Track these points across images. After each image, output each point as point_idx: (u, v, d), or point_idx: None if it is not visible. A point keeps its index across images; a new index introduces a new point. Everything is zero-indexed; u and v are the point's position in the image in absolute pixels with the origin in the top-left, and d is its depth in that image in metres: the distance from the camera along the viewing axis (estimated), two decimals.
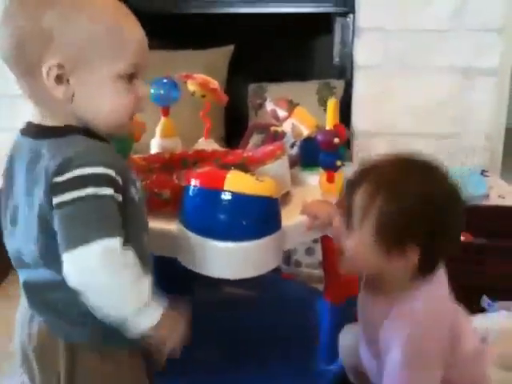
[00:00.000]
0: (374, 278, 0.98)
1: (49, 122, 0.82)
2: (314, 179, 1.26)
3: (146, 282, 0.79)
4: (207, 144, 1.43)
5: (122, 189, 0.79)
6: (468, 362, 1.02)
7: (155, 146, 1.44)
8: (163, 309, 0.80)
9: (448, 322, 0.96)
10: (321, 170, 1.19)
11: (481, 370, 1.06)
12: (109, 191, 0.76)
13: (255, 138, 1.43)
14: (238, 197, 0.95)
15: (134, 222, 0.81)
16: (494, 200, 1.92)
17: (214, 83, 1.40)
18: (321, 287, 1.42)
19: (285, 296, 1.54)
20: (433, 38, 2.14)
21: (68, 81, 0.79)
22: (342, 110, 2.22)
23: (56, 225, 0.75)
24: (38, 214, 0.78)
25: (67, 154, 0.76)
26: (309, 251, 1.93)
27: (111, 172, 0.77)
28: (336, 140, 0.99)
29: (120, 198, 0.78)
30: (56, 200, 0.75)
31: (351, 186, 0.93)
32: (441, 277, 0.98)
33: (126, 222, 0.79)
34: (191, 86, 1.38)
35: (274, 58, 2.36)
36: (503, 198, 1.93)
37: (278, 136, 1.38)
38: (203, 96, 1.39)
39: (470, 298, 1.46)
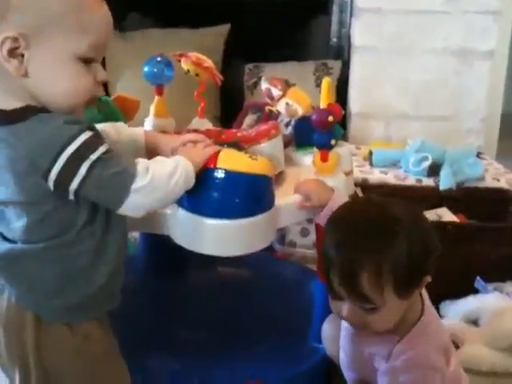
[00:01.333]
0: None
1: (5, 105, 0.78)
2: (308, 159, 1.25)
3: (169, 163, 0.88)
4: (201, 124, 1.42)
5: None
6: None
7: (149, 125, 1.43)
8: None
9: (442, 345, 0.99)
10: (315, 150, 1.19)
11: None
12: (102, 147, 0.79)
13: (250, 118, 1.42)
14: (230, 174, 0.95)
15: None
16: (489, 182, 1.92)
17: (209, 62, 1.38)
18: (315, 267, 1.42)
19: (279, 275, 1.55)
20: (430, 20, 2.13)
21: (22, 56, 0.75)
22: (338, 90, 2.23)
23: (88, 197, 0.80)
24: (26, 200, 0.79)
25: (38, 143, 0.76)
26: (303, 232, 1.93)
27: (89, 132, 0.79)
28: (330, 118, 0.99)
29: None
30: (71, 187, 0.78)
31: (345, 274, 0.90)
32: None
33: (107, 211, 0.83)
34: (185, 65, 1.36)
35: (270, 38, 2.34)
36: (498, 180, 1.93)
37: (273, 116, 1.37)
38: (197, 75, 1.37)
39: (464, 279, 1.47)
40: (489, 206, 1.78)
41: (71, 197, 0.79)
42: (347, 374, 1.08)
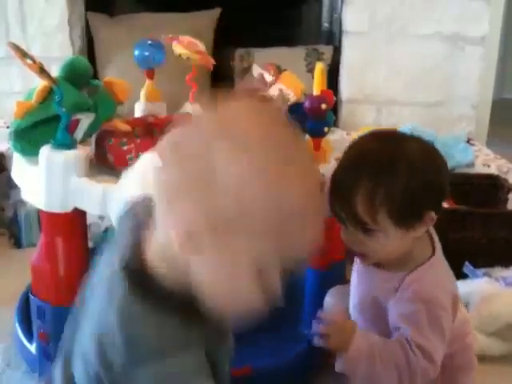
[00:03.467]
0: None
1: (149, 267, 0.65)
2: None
3: None
4: (193, 108, 1.41)
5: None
6: (458, 328, 1.04)
7: (139, 109, 1.42)
8: None
9: (451, 290, 0.99)
10: (307, 137, 1.18)
11: (467, 337, 1.09)
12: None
13: None
14: None
15: None
16: (480, 168, 1.93)
17: (201, 46, 1.37)
18: None
19: None
20: (421, 5, 2.12)
21: (200, 240, 0.59)
22: (330, 76, 2.22)
23: None
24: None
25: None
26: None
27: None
28: (323, 106, 0.98)
29: None
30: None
31: (343, 196, 0.92)
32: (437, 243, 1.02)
33: None
34: (177, 49, 1.35)
35: (261, 23, 2.32)
36: (488, 166, 1.94)
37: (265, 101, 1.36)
38: (189, 59, 1.36)
39: (453, 264, 1.48)
40: (479, 192, 1.79)
41: None
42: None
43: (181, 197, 0.59)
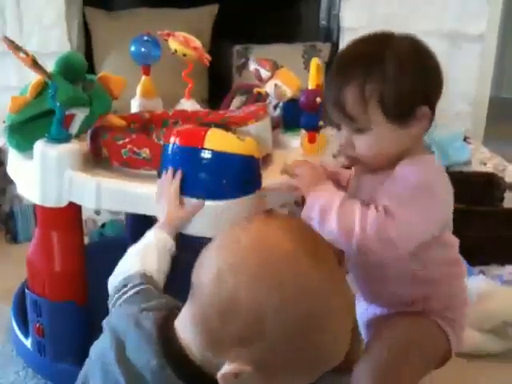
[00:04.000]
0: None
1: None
2: (297, 141, 1.25)
3: None
4: (189, 105, 1.41)
5: None
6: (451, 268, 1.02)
7: (135, 105, 1.42)
8: None
9: (450, 189, 0.96)
10: (302, 131, 1.18)
11: (459, 286, 1.06)
12: None
13: (238, 100, 1.41)
14: (217, 155, 0.94)
15: None
16: (476, 166, 1.93)
17: (197, 42, 1.37)
18: None
19: None
20: (420, 2, 2.12)
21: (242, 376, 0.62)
22: (327, 73, 2.21)
23: None
24: None
25: None
26: (291, 215, 1.94)
27: None
28: (318, 100, 0.98)
29: None
30: None
31: (335, 95, 0.91)
32: None
33: None
34: (172, 44, 1.35)
35: (259, 20, 2.32)
36: (485, 164, 1.94)
37: (261, 98, 1.36)
38: (184, 55, 1.36)
39: None
40: (475, 190, 1.79)
41: None
42: None
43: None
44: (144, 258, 0.86)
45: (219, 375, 0.61)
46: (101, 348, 0.70)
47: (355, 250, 0.88)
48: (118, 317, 0.72)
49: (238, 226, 0.65)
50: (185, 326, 0.65)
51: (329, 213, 0.89)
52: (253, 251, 0.61)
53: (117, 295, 0.79)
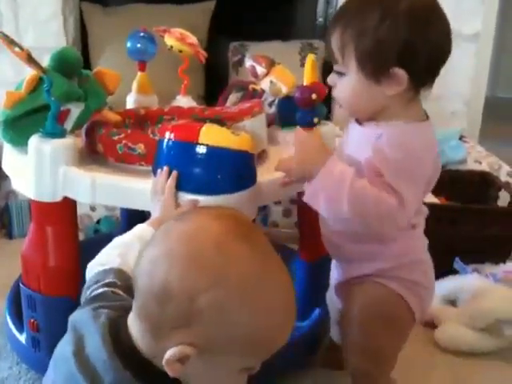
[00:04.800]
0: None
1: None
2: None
3: None
4: (185, 101, 1.41)
5: None
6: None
7: (131, 101, 1.41)
8: None
9: (433, 155, 0.98)
10: (298, 128, 1.18)
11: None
12: None
13: (233, 96, 1.41)
14: (212, 150, 0.94)
15: None
16: (471, 165, 1.94)
17: (193, 38, 1.37)
18: (297, 247, 1.42)
19: None
20: None
21: (187, 361, 0.64)
22: (324, 71, 2.21)
23: None
24: None
25: None
26: (286, 212, 1.94)
27: None
28: (313, 96, 0.98)
29: None
30: None
31: (328, 38, 0.98)
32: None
33: None
34: (168, 41, 1.35)
35: (256, 17, 2.31)
36: (480, 163, 1.95)
37: (257, 94, 1.36)
38: (180, 51, 1.36)
39: (443, 259, 1.49)
40: (470, 189, 1.80)
41: None
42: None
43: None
44: (125, 253, 0.86)
45: (164, 361, 0.63)
46: (62, 343, 0.72)
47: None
48: (80, 312, 0.74)
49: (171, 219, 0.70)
50: (132, 321, 0.68)
51: (339, 202, 0.91)
52: (182, 236, 0.65)
53: (88, 291, 0.80)
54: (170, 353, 0.63)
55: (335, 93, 1.00)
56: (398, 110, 0.97)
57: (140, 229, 0.92)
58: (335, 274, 1.13)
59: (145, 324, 0.65)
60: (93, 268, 0.85)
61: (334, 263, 1.14)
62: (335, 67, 0.99)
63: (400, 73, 0.92)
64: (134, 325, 0.68)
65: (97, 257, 0.87)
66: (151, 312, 0.64)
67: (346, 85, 0.97)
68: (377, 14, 0.91)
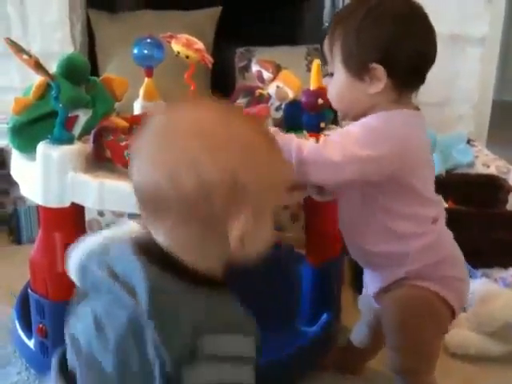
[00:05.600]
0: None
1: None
2: None
3: None
4: None
5: None
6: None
7: (138, 107, 1.42)
8: None
9: (401, 139, 0.98)
10: (304, 133, 1.18)
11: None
12: None
13: (240, 101, 1.41)
14: None
15: None
16: (479, 169, 1.93)
17: (199, 44, 1.37)
18: (304, 252, 1.42)
19: (268, 260, 1.54)
20: (422, 5, 2.11)
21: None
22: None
23: None
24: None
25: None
26: (293, 217, 1.94)
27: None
28: (320, 101, 0.98)
29: None
30: None
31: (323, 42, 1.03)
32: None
33: None
34: (175, 47, 1.35)
35: (262, 22, 2.32)
36: (488, 166, 1.94)
37: (264, 99, 1.36)
38: (187, 57, 1.36)
39: None
40: (478, 193, 1.79)
41: None
42: None
43: None
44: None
45: (232, 247, 0.67)
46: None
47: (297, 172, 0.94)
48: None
49: None
50: (164, 235, 0.69)
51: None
52: (189, 133, 0.65)
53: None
54: (235, 233, 0.65)
55: (328, 93, 1.03)
56: (383, 109, 0.99)
57: (129, 226, 0.88)
58: (371, 285, 1.13)
59: (189, 228, 0.66)
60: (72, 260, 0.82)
61: (367, 275, 1.14)
62: (328, 68, 1.02)
63: (378, 68, 0.95)
64: (168, 238, 0.68)
65: (79, 245, 0.84)
66: (197, 211, 0.64)
67: (334, 84, 1.00)
68: (361, 14, 0.95)
